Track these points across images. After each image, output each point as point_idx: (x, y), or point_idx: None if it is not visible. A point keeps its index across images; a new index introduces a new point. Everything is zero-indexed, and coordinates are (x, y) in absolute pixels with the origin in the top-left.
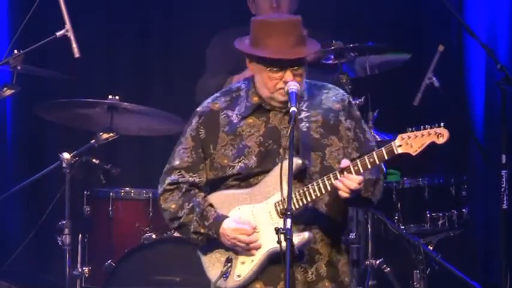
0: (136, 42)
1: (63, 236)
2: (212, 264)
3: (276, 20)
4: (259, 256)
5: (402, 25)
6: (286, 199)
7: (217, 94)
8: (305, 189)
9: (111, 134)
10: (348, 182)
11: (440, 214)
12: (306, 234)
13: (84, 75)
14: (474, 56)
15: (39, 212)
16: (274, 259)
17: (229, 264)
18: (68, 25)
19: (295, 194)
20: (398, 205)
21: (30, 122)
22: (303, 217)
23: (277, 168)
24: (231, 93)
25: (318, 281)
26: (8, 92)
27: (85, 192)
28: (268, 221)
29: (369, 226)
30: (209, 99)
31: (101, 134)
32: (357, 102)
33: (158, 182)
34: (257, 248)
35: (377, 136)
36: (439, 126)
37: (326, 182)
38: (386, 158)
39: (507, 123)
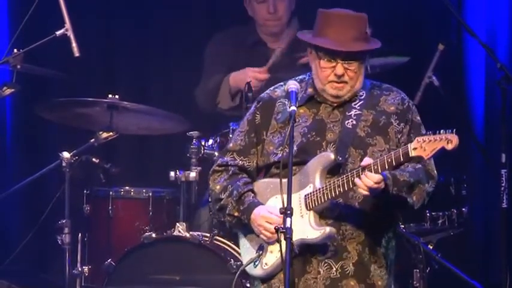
0: (136, 42)
1: (63, 235)
2: (247, 249)
3: (340, 12)
4: (282, 252)
5: (402, 24)
6: (317, 191)
7: (281, 83)
8: (330, 183)
9: (111, 133)
10: (366, 180)
11: (440, 213)
12: (327, 229)
13: (83, 74)
14: (474, 55)
15: (39, 211)
16: (300, 251)
17: (260, 252)
18: (67, 24)
19: (323, 187)
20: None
21: (30, 121)
22: (333, 212)
23: (313, 160)
24: None
25: (343, 278)
26: (8, 91)
27: (85, 191)
28: (298, 212)
29: None
30: (272, 87)
31: (101, 133)
32: None
33: (158, 181)
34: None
35: None
36: (452, 132)
37: (350, 178)
38: (402, 159)
39: (507, 122)
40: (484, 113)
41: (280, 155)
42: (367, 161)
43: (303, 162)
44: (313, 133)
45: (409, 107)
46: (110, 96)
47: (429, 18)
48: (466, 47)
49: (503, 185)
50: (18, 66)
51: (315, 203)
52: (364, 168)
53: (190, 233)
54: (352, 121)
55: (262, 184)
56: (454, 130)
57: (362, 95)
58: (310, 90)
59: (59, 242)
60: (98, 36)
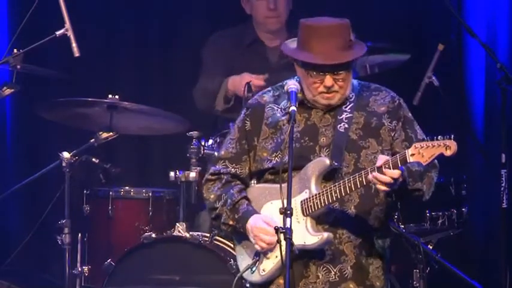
0: (136, 42)
1: (63, 235)
2: (243, 255)
3: (322, 23)
4: (283, 253)
5: (402, 24)
6: (313, 197)
7: (268, 88)
8: (327, 189)
9: (111, 133)
10: (382, 177)
11: (440, 213)
12: (324, 235)
13: (83, 74)
14: (474, 55)
15: (39, 211)
16: (298, 256)
17: (257, 258)
18: (67, 24)
19: (319, 193)
20: (398, 204)
21: (29, 121)
22: (329, 217)
23: (309, 165)
24: (281, 88)
25: (341, 281)
26: (8, 91)
27: (85, 192)
28: (294, 218)
29: None
30: (260, 92)
31: (101, 133)
32: None
33: (157, 181)
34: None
35: None
36: (449, 138)
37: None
38: (399, 165)
39: (507, 122)
40: (484, 113)
41: (274, 162)
42: (383, 158)
43: (297, 167)
44: (306, 138)
45: (400, 104)
46: (110, 96)
47: (429, 18)
48: (466, 47)
49: (503, 185)
50: (18, 66)
51: (311, 209)
52: (380, 167)
53: (190, 233)
54: (344, 124)
55: (257, 189)
56: (452, 136)
57: (352, 97)
58: (299, 95)
59: (59, 242)
60: (98, 36)
